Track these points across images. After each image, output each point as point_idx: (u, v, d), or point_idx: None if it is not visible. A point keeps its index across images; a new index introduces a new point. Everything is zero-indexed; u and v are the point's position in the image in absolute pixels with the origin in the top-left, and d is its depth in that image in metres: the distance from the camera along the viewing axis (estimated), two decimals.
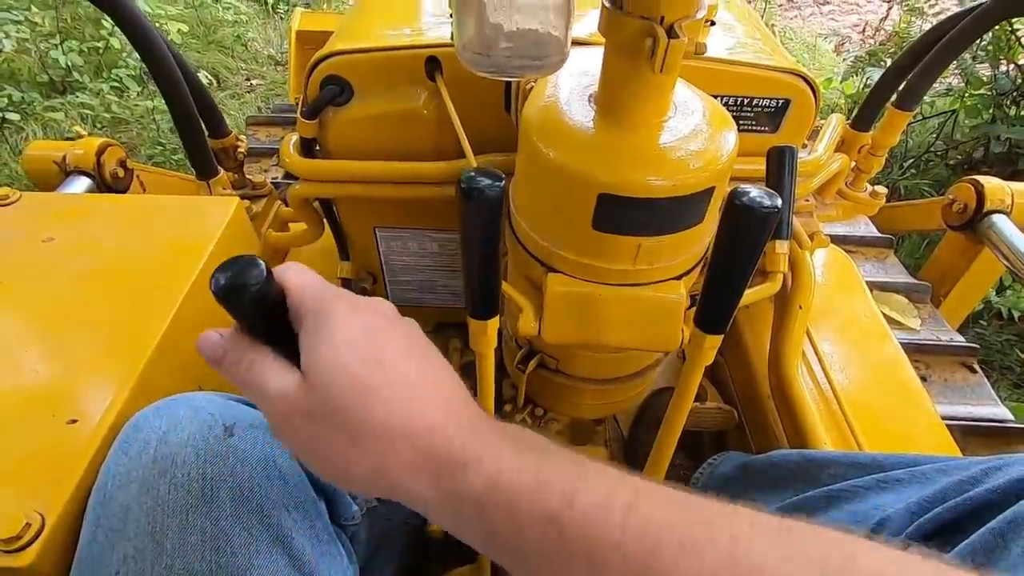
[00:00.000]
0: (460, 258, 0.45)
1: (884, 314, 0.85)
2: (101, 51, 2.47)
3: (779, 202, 0.39)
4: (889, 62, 1.47)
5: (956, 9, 1.22)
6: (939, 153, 2.03)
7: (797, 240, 0.74)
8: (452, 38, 0.49)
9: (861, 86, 2.35)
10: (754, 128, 0.70)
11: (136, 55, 0.76)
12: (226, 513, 0.39)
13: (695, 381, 0.54)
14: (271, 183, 1.02)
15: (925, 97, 1.76)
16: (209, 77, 2.57)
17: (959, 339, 0.98)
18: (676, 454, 0.62)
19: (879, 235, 1.18)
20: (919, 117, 2.12)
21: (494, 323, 0.50)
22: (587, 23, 0.64)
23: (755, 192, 0.39)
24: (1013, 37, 1.87)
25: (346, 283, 0.87)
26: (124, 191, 0.99)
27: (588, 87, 0.52)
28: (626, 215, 0.48)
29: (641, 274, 0.53)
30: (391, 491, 0.32)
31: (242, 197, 0.86)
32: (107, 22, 2.43)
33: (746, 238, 0.41)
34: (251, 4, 3.16)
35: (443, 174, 0.70)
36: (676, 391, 0.56)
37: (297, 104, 0.77)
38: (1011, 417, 0.88)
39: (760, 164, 0.62)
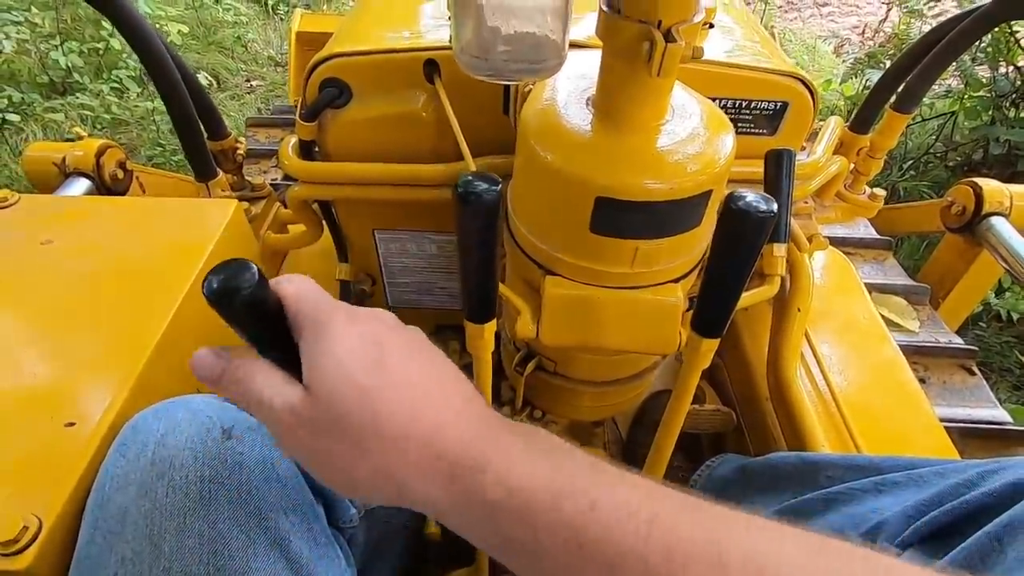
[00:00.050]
0: (457, 261, 0.45)
1: (883, 316, 0.86)
2: (101, 52, 2.47)
3: (775, 207, 0.39)
4: (888, 64, 1.47)
5: (955, 11, 1.22)
6: (938, 155, 2.03)
7: (795, 242, 0.74)
8: (450, 41, 0.49)
9: (860, 88, 2.35)
10: (752, 131, 0.70)
11: (136, 56, 0.76)
12: (224, 516, 0.39)
13: (692, 384, 0.54)
14: (270, 185, 1.02)
15: (925, 99, 1.76)
16: (209, 78, 2.57)
17: (958, 341, 0.98)
18: (674, 456, 0.62)
19: (878, 237, 1.18)
20: (918, 119, 2.12)
21: (491, 327, 0.50)
22: (585, 26, 0.64)
23: (751, 196, 0.39)
24: (1012, 39, 1.87)
25: (345, 285, 0.87)
26: (123, 193, 0.99)
27: (586, 90, 0.52)
28: (624, 218, 0.48)
29: (639, 277, 0.53)
30: (399, 495, 0.31)
31: (241, 199, 0.86)
32: (107, 23, 2.43)
33: (742, 243, 0.41)
34: (251, 5, 3.16)
35: (442, 176, 0.70)
36: (673, 393, 0.56)
37: (297, 106, 0.77)
38: (1010, 419, 0.88)
39: (758, 167, 0.62)
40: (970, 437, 0.85)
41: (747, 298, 0.61)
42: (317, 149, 0.73)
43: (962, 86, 2.05)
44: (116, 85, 2.39)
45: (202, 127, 0.85)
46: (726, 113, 0.61)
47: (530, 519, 0.28)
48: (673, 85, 0.49)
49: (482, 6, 0.44)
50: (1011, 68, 1.93)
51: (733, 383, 0.88)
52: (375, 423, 0.30)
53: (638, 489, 0.29)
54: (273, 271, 0.98)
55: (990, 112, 1.93)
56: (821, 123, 0.90)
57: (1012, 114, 1.92)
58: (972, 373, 0.95)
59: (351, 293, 0.87)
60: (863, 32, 3.27)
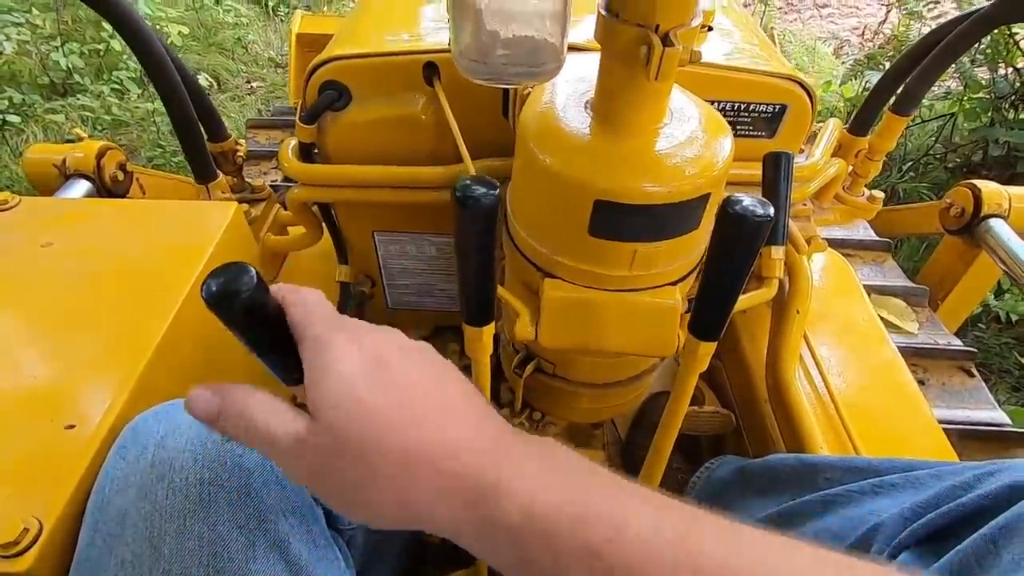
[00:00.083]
0: (455, 264, 0.45)
1: (882, 318, 0.86)
2: (102, 53, 2.48)
3: (771, 211, 0.39)
4: (888, 65, 1.47)
5: (955, 13, 1.22)
6: (938, 156, 2.04)
7: (794, 245, 0.75)
8: (449, 44, 0.49)
9: (860, 89, 2.35)
10: (751, 133, 0.70)
11: (136, 58, 0.76)
12: (223, 518, 0.39)
13: (690, 386, 0.54)
14: (270, 187, 1.02)
15: (924, 100, 1.76)
16: (209, 79, 2.57)
17: (957, 343, 0.98)
18: (673, 458, 0.62)
19: (877, 239, 1.18)
20: (917, 120, 2.12)
21: (489, 330, 0.50)
22: (584, 28, 0.64)
23: (748, 200, 0.39)
24: (1012, 41, 1.88)
25: (344, 286, 0.87)
26: (124, 194, 1.00)
27: (585, 93, 0.52)
28: (622, 221, 0.48)
29: (637, 279, 0.53)
30: (417, 521, 0.30)
31: (241, 201, 0.86)
32: (108, 24, 2.44)
33: (739, 247, 0.41)
34: (252, 7, 3.17)
35: (441, 179, 0.70)
36: (672, 396, 0.56)
37: (297, 108, 0.78)
38: (1009, 421, 0.88)
39: (757, 169, 0.62)
40: (969, 439, 0.85)
41: (745, 300, 0.61)
42: (317, 151, 0.73)
43: (961, 88, 2.05)
44: (116, 86, 2.39)
45: (202, 129, 0.85)
46: (725, 116, 0.62)
47: (553, 545, 0.27)
48: (671, 88, 0.49)
49: (481, 10, 0.44)
50: (1010, 70, 1.93)
51: (732, 385, 0.88)
52: (386, 447, 0.29)
53: (666, 510, 0.28)
54: (273, 273, 0.98)
55: (989, 114, 1.94)
56: (820, 125, 0.90)
57: (1011, 116, 1.92)
58: (971, 375, 0.95)
59: (351, 295, 0.87)
60: (863, 34, 3.27)
